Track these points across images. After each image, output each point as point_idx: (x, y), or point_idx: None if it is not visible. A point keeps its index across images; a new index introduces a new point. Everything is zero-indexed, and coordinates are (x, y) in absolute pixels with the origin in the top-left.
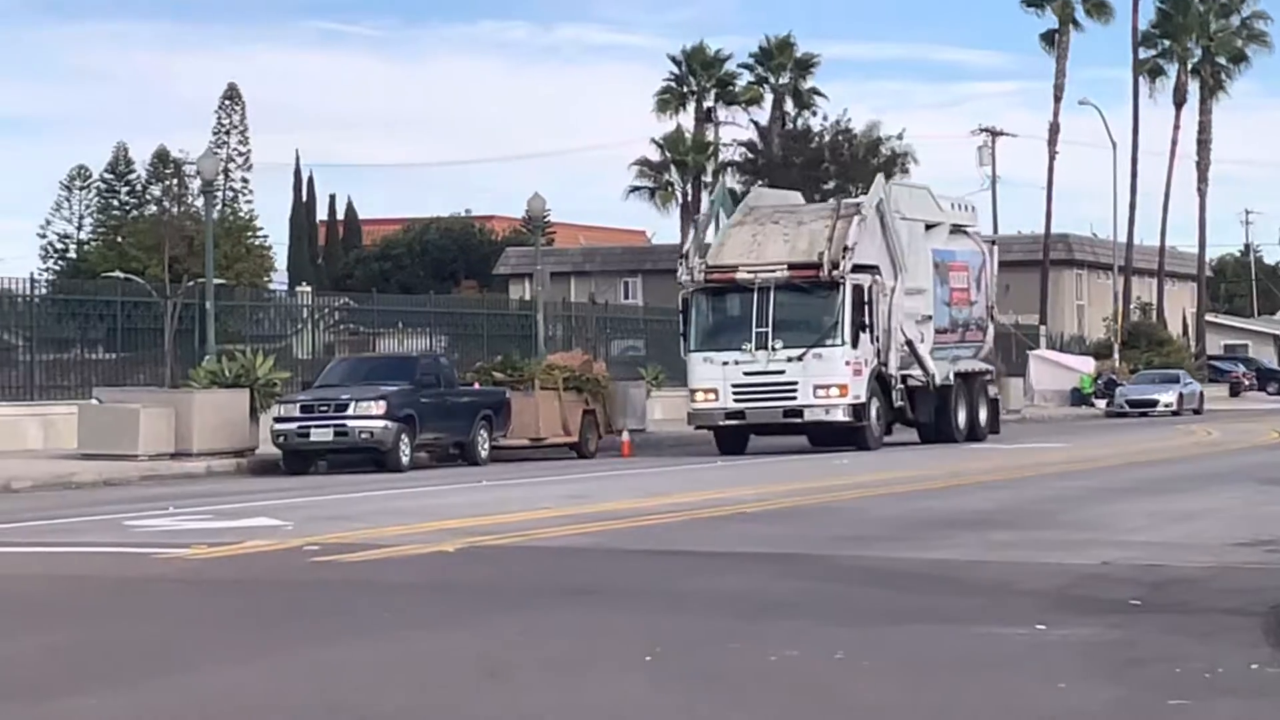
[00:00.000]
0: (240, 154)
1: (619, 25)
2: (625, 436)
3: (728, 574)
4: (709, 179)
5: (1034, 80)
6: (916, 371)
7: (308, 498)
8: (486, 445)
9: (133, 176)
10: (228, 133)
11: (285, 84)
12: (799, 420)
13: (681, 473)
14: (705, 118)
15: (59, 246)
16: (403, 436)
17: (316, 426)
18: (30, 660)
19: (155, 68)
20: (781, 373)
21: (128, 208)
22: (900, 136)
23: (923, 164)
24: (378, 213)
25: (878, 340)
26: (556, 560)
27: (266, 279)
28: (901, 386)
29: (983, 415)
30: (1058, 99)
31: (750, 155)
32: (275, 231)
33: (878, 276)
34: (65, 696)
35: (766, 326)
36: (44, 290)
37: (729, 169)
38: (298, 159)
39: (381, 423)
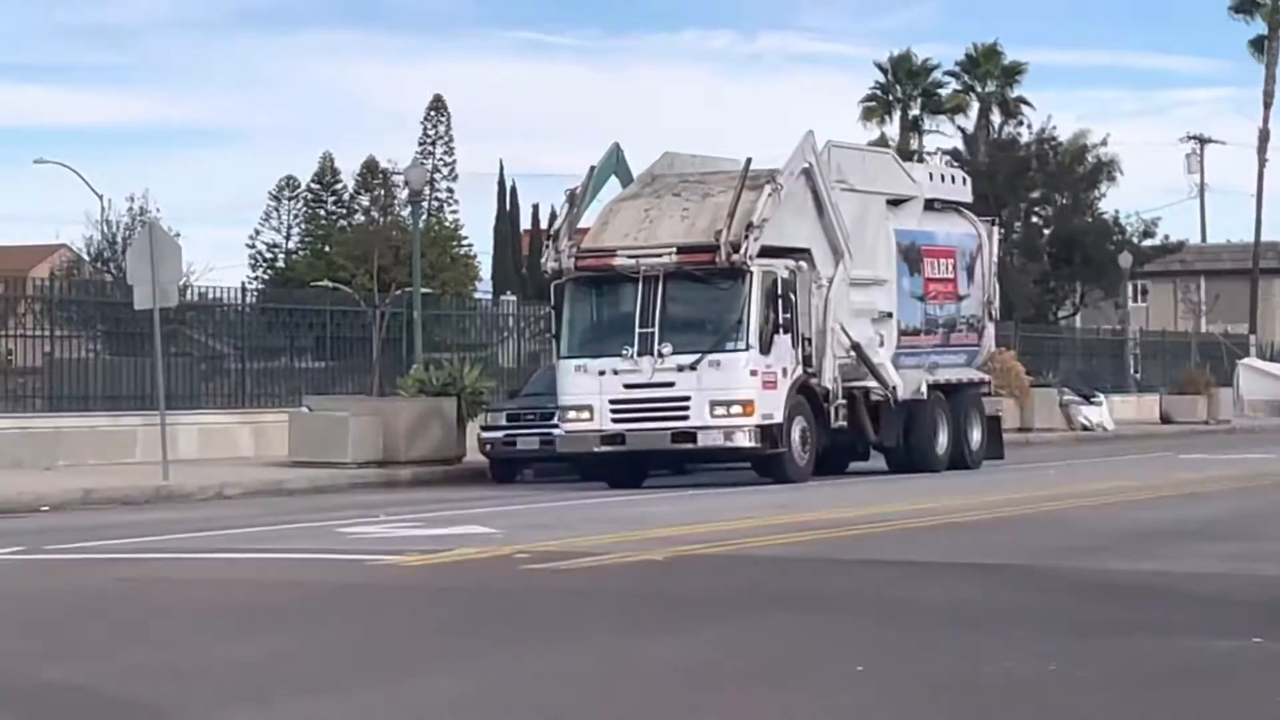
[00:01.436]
0: (446, 164)
1: (823, 34)
2: None
3: (938, 584)
4: None
5: (1243, 87)
6: (874, 383)
7: (516, 506)
8: None
9: (339, 186)
10: (433, 143)
11: (489, 94)
12: (691, 446)
13: (887, 483)
14: (911, 126)
15: (268, 256)
16: None
17: (523, 435)
18: (251, 664)
19: (361, 78)
20: (671, 385)
21: (334, 217)
22: (1105, 143)
23: (1129, 172)
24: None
25: (805, 343)
26: (765, 569)
27: (471, 288)
28: (843, 402)
29: (975, 436)
30: (1267, 105)
31: (955, 163)
32: (479, 241)
33: (803, 262)
34: (286, 700)
35: (652, 326)
36: (254, 299)
37: None
38: (501, 169)
39: None
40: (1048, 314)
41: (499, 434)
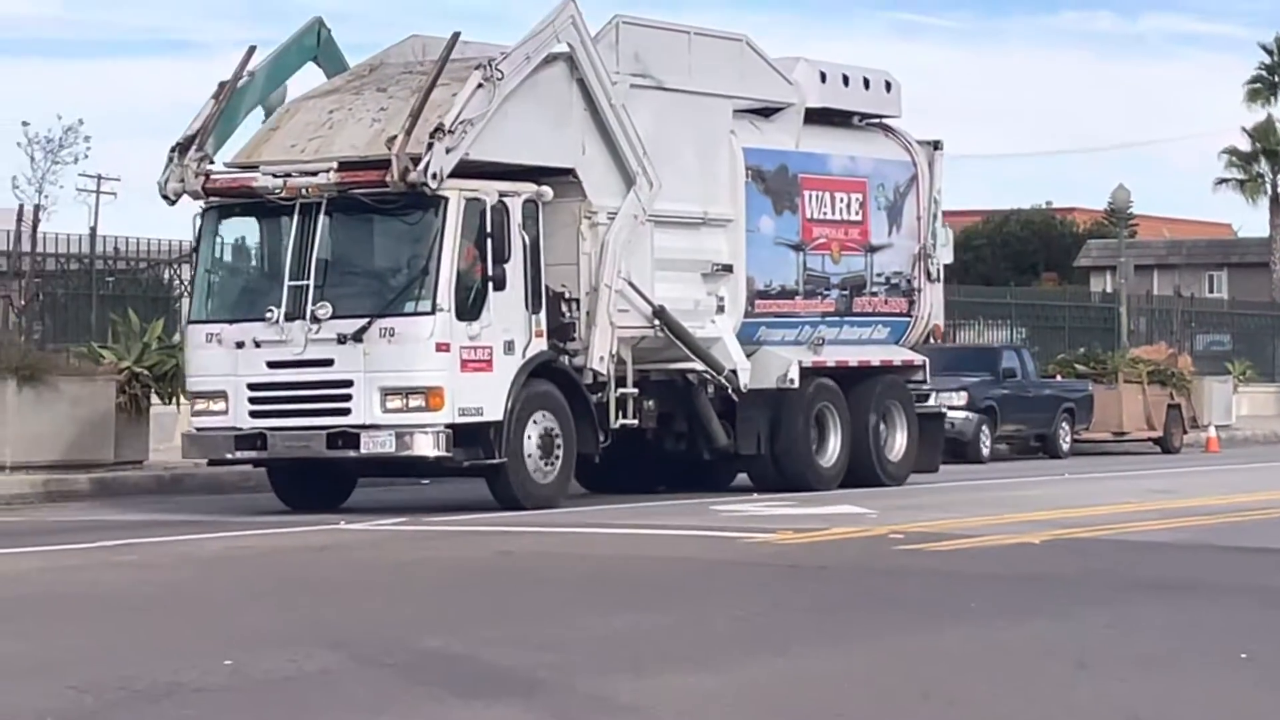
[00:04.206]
0: None
1: (1206, 14)
2: (1211, 432)
3: None
4: None
5: None
6: (699, 365)
7: (889, 487)
8: (1068, 438)
9: None
10: None
11: None
12: (354, 454)
13: (1271, 470)
14: None
15: None
16: (983, 428)
17: None
18: (628, 637)
19: None
20: (328, 363)
21: None
22: None
23: None
24: (958, 204)
25: (568, 306)
26: (1143, 555)
27: None
28: (632, 391)
29: (895, 441)
30: None
31: None
32: None
33: (545, 188)
34: (661, 673)
35: (306, 278)
36: None
37: None
38: None
39: (963, 414)
40: None
41: None
